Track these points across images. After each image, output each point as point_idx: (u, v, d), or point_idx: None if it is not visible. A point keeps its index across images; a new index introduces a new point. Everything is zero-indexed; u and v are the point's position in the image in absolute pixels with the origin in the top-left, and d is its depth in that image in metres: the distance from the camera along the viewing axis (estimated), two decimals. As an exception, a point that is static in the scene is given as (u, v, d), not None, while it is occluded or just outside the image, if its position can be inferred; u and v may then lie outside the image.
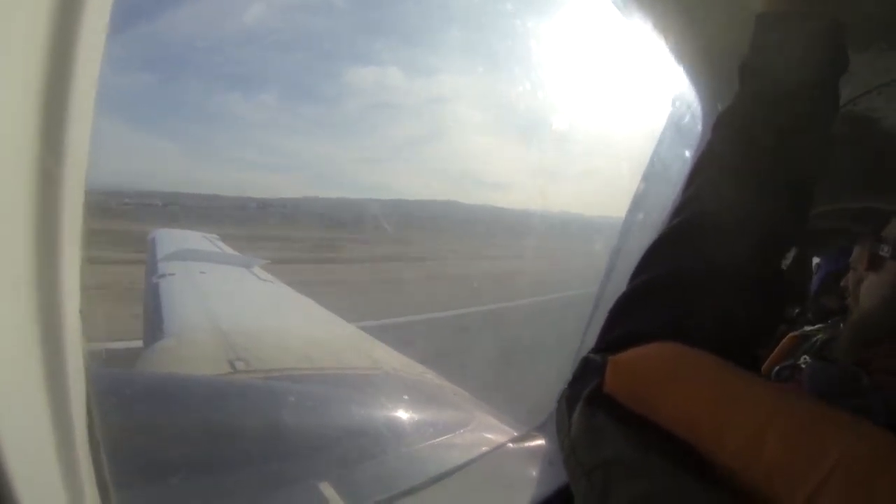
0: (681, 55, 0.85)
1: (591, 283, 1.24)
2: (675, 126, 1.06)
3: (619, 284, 1.17)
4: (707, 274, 0.54)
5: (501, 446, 1.20)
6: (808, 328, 1.46)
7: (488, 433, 1.50)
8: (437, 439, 1.41)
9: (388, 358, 2.12)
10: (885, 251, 0.85)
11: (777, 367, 1.20)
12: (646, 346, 0.46)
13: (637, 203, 1.14)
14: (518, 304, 6.74)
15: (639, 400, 0.43)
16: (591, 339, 1.18)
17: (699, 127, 1.00)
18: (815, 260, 2.46)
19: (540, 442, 1.21)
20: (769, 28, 0.62)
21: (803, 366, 1.02)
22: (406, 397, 1.69)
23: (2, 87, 0.27)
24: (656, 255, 0.59)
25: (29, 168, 0.29)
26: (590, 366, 0.51)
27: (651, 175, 1.11)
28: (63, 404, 0.33)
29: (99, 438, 0.39)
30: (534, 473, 1.11)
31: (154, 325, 2.33)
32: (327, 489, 1.14)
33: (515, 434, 1.51)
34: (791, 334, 1.50)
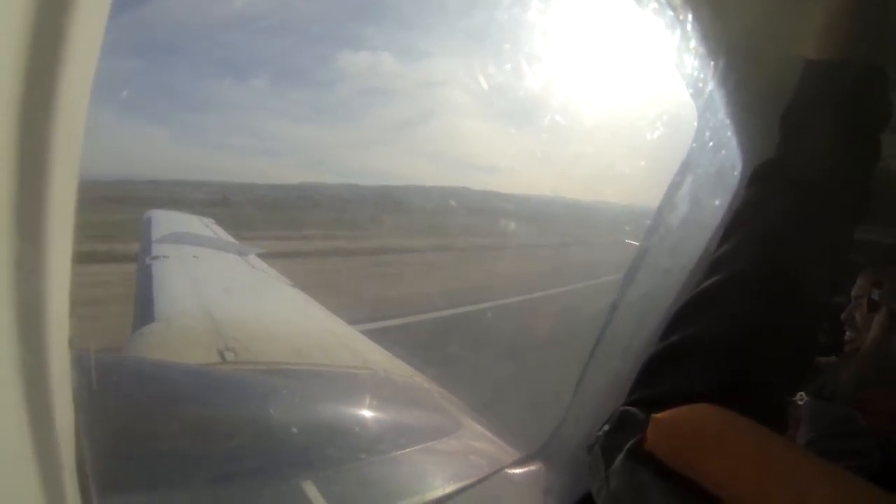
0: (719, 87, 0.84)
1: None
2: (701, 146, 1.04)
3: (625, 318, 1.17)
4: (745, 335, 0.54)
5: (498, 471, 1.18)
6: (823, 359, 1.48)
7: (474, 441, 1.49)
8: (422, 444, 1.40)
9: (377, 358, 2.11)
10: (876, 295, 0.98)
11: None
12: (688, 408, 0.47)
13: (656, 224, 1.12)
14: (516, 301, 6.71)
15: (680, 459, 0.44)
16: (594, 372, 1.18)
17: (737, 170, 0.99)
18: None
19: (534, 468, 1.20)
20: (817, 75, 0.61)
21: (800, 402, 1.03)
22: (393, 399, 1.68)
23: None
24: (691, 314, 0.59)
25: (15, 152, 0.27)
26: (628, 419, 0.51)
27: (676, 187, 1.09)
28: (46, 400, 0.32)
29: (82, 430, 0.38)
30: (529, 501, 1.10)
31: (145, 307, 2.31)
32: (310, 489, 1.13)
33: (501, 442, 1.51)
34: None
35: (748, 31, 0.73)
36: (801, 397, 1.02)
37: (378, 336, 2.40)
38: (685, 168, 1.07)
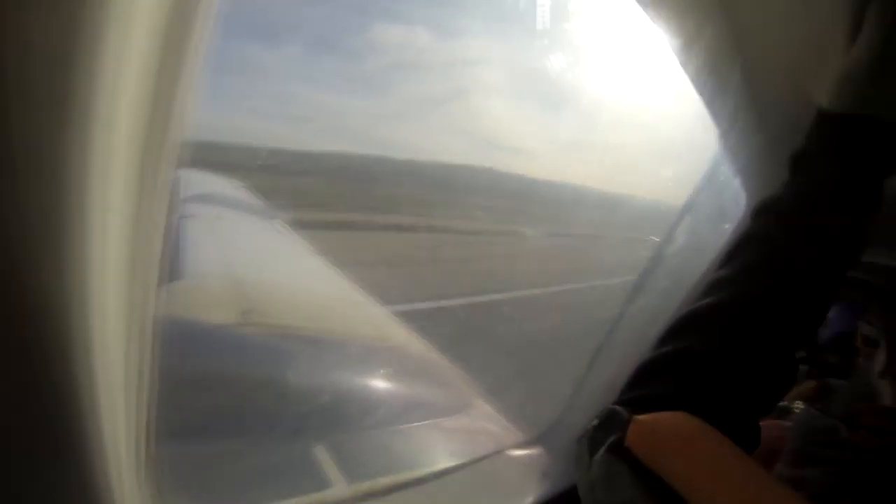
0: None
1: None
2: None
3: (627, 329, 1.21)
4: (729, 355, 0.58)
5: (501, 451, 1.23)
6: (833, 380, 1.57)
7: (482, 421, 1.53)
8: (431, 419, 1.44)
9: (395, 332, 2.15)
10: (866, 330, 1.07)
11: None
12: (668, 413, 0.51)
13: (659, 254, 1.17)
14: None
15: (653, 459, 0.49)
16: (595, 372, 1.22)
17: (742, 202, 1.02)
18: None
19: (535, 452, 1.24)
20: (830, 126, 0.63)
21: (796, 410, 1.11)
22: (407, 374, 1.72)
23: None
24: (683, 329, 0.62)
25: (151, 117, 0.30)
26: (615, 417, 0.55)
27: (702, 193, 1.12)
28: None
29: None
30: (528, 482, 1.15)
31: (170, 265, 2.36)
32: (321, 452, 1.18)
33: (507, 424, 1.54)
34: (815, 383, 1.59)
35: (770, 79, 0.77)
36: (797, 405, 1.10)
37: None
38: (692, 201, 1.13)
